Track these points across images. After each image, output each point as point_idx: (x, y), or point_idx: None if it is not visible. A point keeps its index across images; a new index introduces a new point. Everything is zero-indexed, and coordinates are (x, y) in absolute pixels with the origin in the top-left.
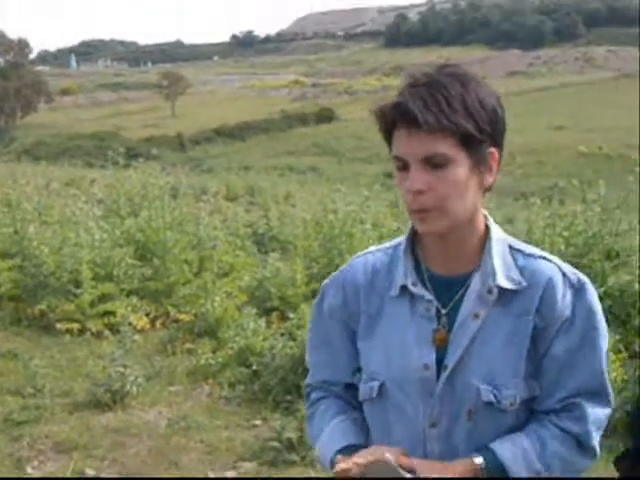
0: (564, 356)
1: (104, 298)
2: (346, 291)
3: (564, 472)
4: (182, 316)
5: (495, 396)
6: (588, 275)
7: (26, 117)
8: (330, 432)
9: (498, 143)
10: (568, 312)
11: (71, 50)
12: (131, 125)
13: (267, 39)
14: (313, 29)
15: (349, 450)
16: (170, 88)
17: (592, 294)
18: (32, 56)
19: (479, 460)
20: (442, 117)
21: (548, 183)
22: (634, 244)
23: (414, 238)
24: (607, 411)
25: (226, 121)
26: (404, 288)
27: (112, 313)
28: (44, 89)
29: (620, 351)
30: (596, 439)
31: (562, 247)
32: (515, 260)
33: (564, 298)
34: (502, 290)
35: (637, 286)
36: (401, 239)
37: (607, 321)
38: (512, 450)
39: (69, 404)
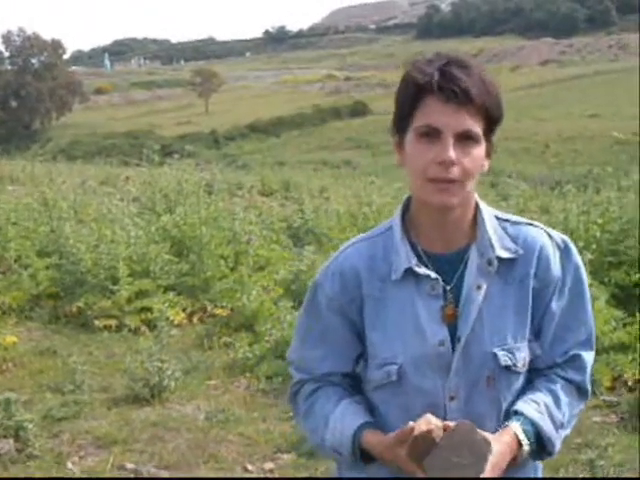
0: (560, 313)
1: (141, 294)
2: (344, 277)
3: (571, 418)
4: (219, 311)
5: (510, 359)
6: (624, 262)
7: (61, 117)
8: (341, 413)
9: (495, 133)
10: (559, 272)
11: (104, 49)
12: (165, 123)
13: (299, 34)
14: (345, 23)
15: (369, 427)
16: (203, 85)
17: (575, 251)
18: (66, 56)
19: (516, 426)
20: (484, 95)
21: (583, 171)
22: None
23: (404, 221)
24: (593, 354)
25: (260, 117)
26: (408, 270)
27: (149, 309)
28: (78, 89)
29: None
30: (590, 382)
31: (597, 234)
32: (505, 229)
33: (555, 260)
34: (501, 260)
35: None
36: (387, 225)
37: None
38: (537, 409)
39: (108, 399)
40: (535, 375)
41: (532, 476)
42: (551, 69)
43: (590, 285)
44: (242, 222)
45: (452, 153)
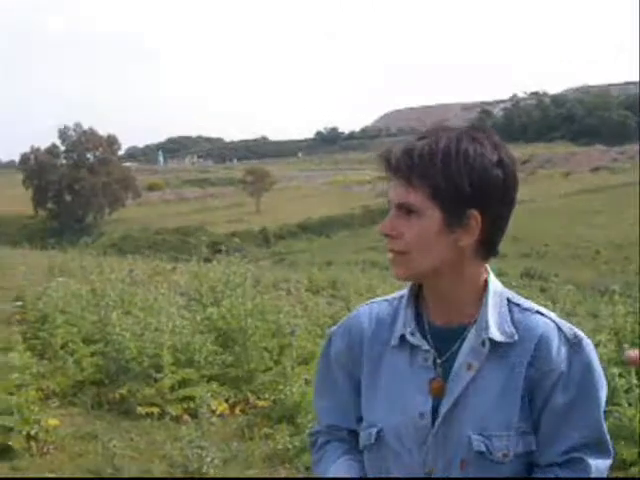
0: (563, 409)
1: (184, 383)
2: (352, 336)
3: None
4: (261, 402)
5: (487, 446)
6: None
7: (114, 212)
8: (335, 469)
9: (485, 205)
10: (564, 366)
11: (158, 147)
12: (216, 220)
13: (351, 135)
14: (397, 125)
15: None
16: (255, 184)
17: (589, 349)
18: (121, 152)
19: None
20: (415, 169)
21: (633, 278)
22: None
23: (419, 289)
24: (608, 462)
25: (310, 216)
26: (403, 337)
27: (192, 398)
28: (132, 185)
29: None
30: None
31: None
32: (511, 313)
33: (559, 352)
34: (495, 343)
35: None
36: (404, 292)
37: None
38: None
39: None
40: (535, 470)
41: None
42: (602, 176)
43: (637, 386)
44: (287, 315)
45: (385, 226)
